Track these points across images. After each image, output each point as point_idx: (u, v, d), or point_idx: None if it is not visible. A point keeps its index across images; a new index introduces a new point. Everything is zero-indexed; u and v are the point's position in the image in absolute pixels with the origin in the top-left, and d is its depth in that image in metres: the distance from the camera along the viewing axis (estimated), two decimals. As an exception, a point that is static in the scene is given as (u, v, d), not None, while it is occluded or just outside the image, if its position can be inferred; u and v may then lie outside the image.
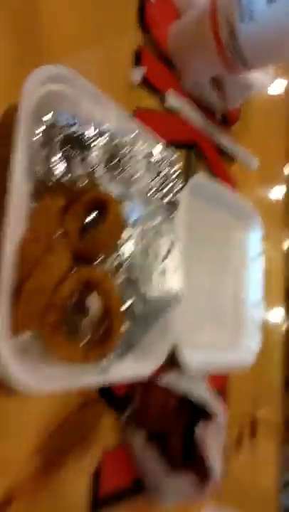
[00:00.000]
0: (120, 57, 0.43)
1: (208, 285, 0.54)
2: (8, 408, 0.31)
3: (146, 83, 0.45)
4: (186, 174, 0.51)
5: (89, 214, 0.32)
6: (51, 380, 0.29)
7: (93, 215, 0.32)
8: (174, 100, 0.48)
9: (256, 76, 0.56)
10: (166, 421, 0.37)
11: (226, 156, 0.60)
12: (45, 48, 0.35)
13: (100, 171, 0.32)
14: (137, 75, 0.43)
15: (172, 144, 0.48)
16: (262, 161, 0.69)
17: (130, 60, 0.44)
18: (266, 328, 0.65)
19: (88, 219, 0.32)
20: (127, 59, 0.44)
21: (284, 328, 0.77)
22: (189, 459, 0.39)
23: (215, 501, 0.52)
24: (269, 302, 0.69)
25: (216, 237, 0.55)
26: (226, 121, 0.60)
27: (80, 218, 0.32)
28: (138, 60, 0.44)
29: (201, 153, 0.54)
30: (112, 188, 0.33)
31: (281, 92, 0.80)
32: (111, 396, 0.39)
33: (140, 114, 0.44)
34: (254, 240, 0.60)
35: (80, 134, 0.30)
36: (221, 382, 0.55)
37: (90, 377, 0.32)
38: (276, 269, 0.77)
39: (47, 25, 0.35)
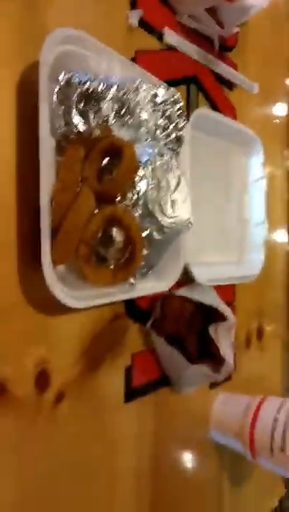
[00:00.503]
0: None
1: (214, 209, 0.59)
2: (55, 323, 0.39)
3: (143, 24, 0.47)
4: (188, 108, 0.54)
5: (104, 159, 0.37)
6: (87, 299, 0.37)
7: (108, 159, 0.37)
8: (171, 37, 0.50)
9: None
10: (184, 324, 0.46)
11: (226, 83, 0.63)
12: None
13: (111, 120, 0.37)
14: (134, 17, 0.45)
15: (173, 80, 0.52)
16: (263, 81, 0.70)
17: (126, 3, 0.46)
18: (270, 247, 0.71)
19: (104, 163, 0.38)
20: (123, 1, 0.46)
21: (287, 247, 0.84)
22: (204, 355, 0.48)
23: (228, 391, 0.63)
24: (273, 222, 0.75)
25: (219, 164, 0.60)
26: (224, 48, 0.61)
27: (97, 164, 0.37)
28: (134, 1, 0.46)
29: (201, 86, 0.57)
30: (123, 134, 0.38)
31: (280, 6, 0.78)
32: (136, 309, 0.47)
33: (141, 56, 0.46)
34: (256, 163, 0.65)
35: (93, 90, 0.34)
36: (228, 295, 0.63)
37: (120, 294, 0.40)
38: (281, 188, 0.81)
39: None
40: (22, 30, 0.35)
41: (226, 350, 0.46)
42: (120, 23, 0.45)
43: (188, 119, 0.49)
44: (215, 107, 0.60)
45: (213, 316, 0.48)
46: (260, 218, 0.64)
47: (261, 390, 0.74)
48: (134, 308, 0.46)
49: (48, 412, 0.37)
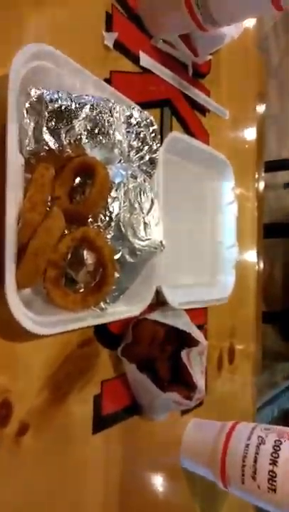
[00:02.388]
0: (92, 20, 0.45)
1: (187, 232, 0.59)
2: (18, 350, 0.37)
3: (119, 46, 0.47)
4: (162, 131, 0.54)
5: (76, 178, 0.36)
6: (55, 325, 0.35)
7: (80, 179, 0.36)
8: (146, 60, 0.51)
9: (225, 28, 0.58)
10: (156, 349, 0.44)
11: (199, 108, 0.63)
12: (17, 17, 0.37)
13: (84, 139, 0.36)
14: (110, 39, 0.45)
15: (148, 103, 0.52)
16: (234, 107, 0.72)
17: (102, 24, 0.46)
18: (241, 267, 0.72)
19: (76, 182, 0.37)
20: (99, 22, 0.45)
21: (256, 267, 0.85)
22: (176, 381, 0.47)
23: (200, 416, 0.62)
24: (244, 242, 0.76)
25: (192, 187, 0.60)
26: (198, 74, 0.62)
27: (69, 183, 0.36)
28: (109, 23, 0.46)
29: (175, 110, 0.57)
30: (96, 154, 0.37)
31: (250, 37, 0.81)
32: (107, 334, 0.45)
33: (116, 77, 0.46)
34: (227, 188, 0.65)
35: (65, 108, 0.33)
36: (200, 317, 0.63)
37: (90, 319, 0.38)
38: (251, 209, 0.82)
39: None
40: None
41: (198, 376, 0.44)
42: (96, 43, 0.45)
43: (161, 142, 0.49)
44: (188, 131, 0.60)
45: (185, 340, 0.47)
46: (231, 241, 0.64)
47: (233, 411, 0.73)
48: (104, 333, 0.45)
49: (11, 445, 0.35)
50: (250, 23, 0.79)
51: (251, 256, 0.82)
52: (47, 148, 0.33)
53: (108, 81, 0.45)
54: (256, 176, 0.85)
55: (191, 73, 0.60)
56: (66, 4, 0.42)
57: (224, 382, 0.71)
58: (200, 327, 0.56)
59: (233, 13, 0.48)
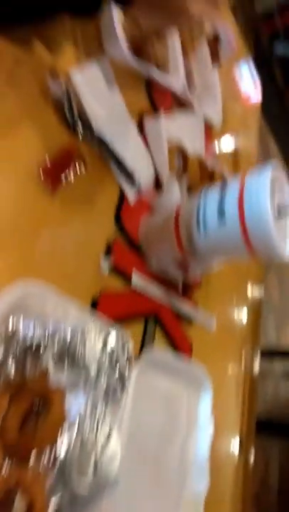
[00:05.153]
0: (93, 245, 0.51)
1: (152, 458, 0.55)
2: None
3: (114, 268, 0.52)
4: (143, 344, 0.56)
5: (31, 405, 0.36)
6: None
7: (36, 406, 0.36)
8: (138, 281, 0.55)
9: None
10: None
11: (186, 318, 0.66)
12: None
13: (51, 366, 0.37)
14: (106, 264, 0.50)
15: (133, 317, 0.54)
16: (222, 317, 0.75)
17: (102, 249, 0.52)
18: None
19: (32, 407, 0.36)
20: (99, 247, 0.51)
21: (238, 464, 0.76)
22: None
23: None
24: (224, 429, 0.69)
25: (165, 406, 0.58)
26: (188, 287, 0.67)
27: (23, 410, 0.35)
28: (109, 249, 0.52)
29: (160, 320, 0.60)
30: (61, 378, 0.38)
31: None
32: None
33: (105, 297, 0.50)
34: (204, 404, 0.63)
35: (37, 345, 0.35)
36: None
37: None
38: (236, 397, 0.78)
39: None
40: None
41: None
42: (93, 264, 0.50)
43: (139, 357, 0.50)
44: (171, 342, 0.62)
45: None
46: (202, 471, 0.59)
47: None
48: None
49: None
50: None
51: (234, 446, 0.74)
52: (10, 377, 0.34)
53: (96, 299, 0.49)
54: (250, 360, 0.84)
55: (180, 290, 0.65)
56: (71, 227, 0.48)
57: None
58: None
59: (213, 257, 0.54)
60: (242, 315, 0.88)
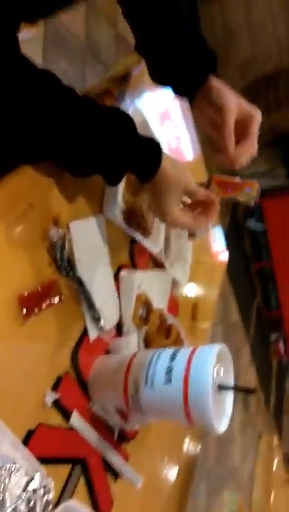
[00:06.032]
0: (43, 376, 0.53)
1: None
2: None
3: (57, 403, 0.53)
4: (64, 490, 0.54)
5: None
6: None
7: None
8: (77, 420, 0.56)
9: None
10: None
11: (113, 471, 0.65)
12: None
13: None
14: (50, 398, 0.52)
15: (62, 458, 0.54)
16: (149, 476, 0.73)
17: (51, 381, 0.54)
18: None
19: None
20: (49, 379, 0.53)
21: None
22: None
23: None
24: None
25: None
26: (123, 437, 0.67)
27: None
28: (58, 383, 0.54)
29: (86, 469, 0.58)
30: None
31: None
32: None
33: (41, 430, 0.50)
34: None
35: None
36: None
37: None
38: None
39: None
40: None
41: None
42: (37, 396, 0.51)
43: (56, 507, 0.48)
44: (92, 496, 0.59)
45: None
46: None
47: None
48: None
49: None
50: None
51: None
52: None
53: (32, 432, 0.49)
54: None
55: (115, 438, 0.65)
56: (28, 354, 0.50)
57: None
58: None
59: (154, 413, 0.57)
60: (172, 476, 0.85)
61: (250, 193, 0.65)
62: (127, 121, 0.54)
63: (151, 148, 0.56)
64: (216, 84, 0.62)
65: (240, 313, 3.48)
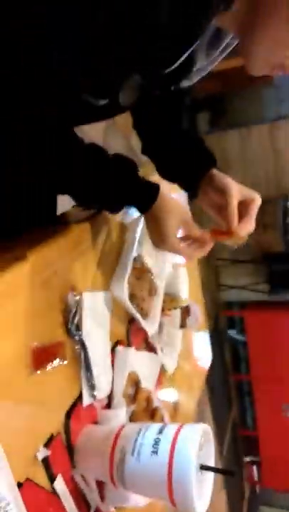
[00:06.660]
0: (37, 432, 0.55)
1: None
2: None
3: (45, 461, 0.55)
4: None
5: None
6: None
7: None
8: (59, 485, 0.57)
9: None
10: None
11: None
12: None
13: None
14: (41, 454, 0.54)
15: None
16: None
17: (45, 437, 0.56)
18: None
19: None
20: (43, 435, 0.55)
21: None
22: None
23: None
24: None
25: None
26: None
27: None
28: (49, 441, 0.56)
29: None
30: None
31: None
32: None
33: (28, 485, 0.51)
34: None
35: None
36: None
37: None
38: None
39: None
40: None
41: None
42: (33, 448, 0.53)
43: None
44: None
45: None
46: None
47: None
48: None
49: None
50: None
51: None
52: None
53: (21, 484, 0.50)
54: None
55: (91, 514, 0.63)
56: (30, 407, 0.53)
57: None
58: None
59: (140, 484, 0.58)
60: None
61: (237, 239, 0.68)
62: (129, 165, 0.63)
63: (149, 187, 0.65)
64: (219, 172, 0.70)
65: (215, 426, 3.33)
